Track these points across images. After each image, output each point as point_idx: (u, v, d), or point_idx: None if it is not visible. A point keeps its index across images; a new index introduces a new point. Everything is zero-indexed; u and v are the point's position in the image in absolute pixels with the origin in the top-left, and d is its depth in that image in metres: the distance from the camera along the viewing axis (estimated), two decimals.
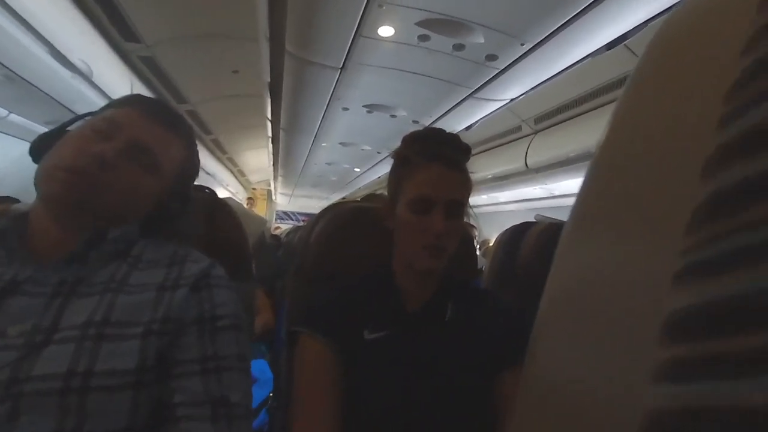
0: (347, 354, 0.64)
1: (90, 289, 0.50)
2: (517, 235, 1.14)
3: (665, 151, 0.19)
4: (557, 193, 3.47)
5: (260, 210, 8.55)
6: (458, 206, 0.67)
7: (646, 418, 0.13)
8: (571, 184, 3.08)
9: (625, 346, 0.18)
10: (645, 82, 0.22)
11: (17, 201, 2.36)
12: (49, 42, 1.63)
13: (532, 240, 1.06)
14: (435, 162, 0.67)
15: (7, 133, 2.64)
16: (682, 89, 0.19)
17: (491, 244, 4.06)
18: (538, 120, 2.81)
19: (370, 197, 1.82)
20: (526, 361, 0.26)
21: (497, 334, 0.70)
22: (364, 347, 0.65)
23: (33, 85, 1.87)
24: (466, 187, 0.70)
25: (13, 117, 2.40)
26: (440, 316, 0.70)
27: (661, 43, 0.22)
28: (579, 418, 0.20)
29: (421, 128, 0.76)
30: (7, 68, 1.69)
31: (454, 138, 0.72)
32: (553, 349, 0.24)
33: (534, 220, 1.23)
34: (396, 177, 0.72)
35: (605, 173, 0.23)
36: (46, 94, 1.96)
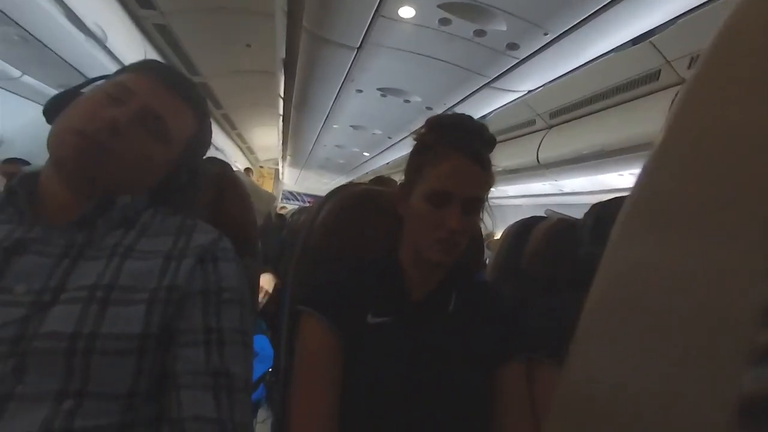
0: (349, 336, 0.64)
1: (98, 252, 0.51)
2: (525, 229, 1.12)
3: (748, 140, 0.18)
4: (567, 190, 3.44)
5: (267, 188, 8.57)
6: (476, 203, 0.66)
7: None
8: (582, 182, 3.05)
9: (697, 347, 0.17)
10: (719, 68, 0.21)
11: (28, 163, 2.38)
12: (65, 3, 1.61)
13: (540, 235, 1.05)
14: (460, 154, 0.64)
15: (19, 95, 2.64)
16: (761, 77, 0.18)
17: (496, 237, 4.04)
18: (553, 115, 2.75)
19: (379, 180, 1.81)
20: (568, 357, 0.25)
21: (498, 330, 0.69)
22: (366, 331, 0.65)
23: (47, 46, 1.86)
24: (488, 183, 0.67)
25: (26, 78, 2.39)
26: (443, 306, 0.69)
27: (737, 28, 0.20)
28: (628, 425, 0.19)
29: (436, 115, 0.74)
30: (23, 28, 1.68)
31: (481, 128, 0.69)
32: (603, 345, 0.23)
33: (544, 215, 1.21)
34: (416, 162, 0.69)
35: (670, 166, 0.22)
36: (59, 56, 1.95)
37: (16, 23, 1.63)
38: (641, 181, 0.23)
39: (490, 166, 0.67)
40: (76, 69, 2.06)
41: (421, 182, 0.66)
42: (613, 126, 2.30)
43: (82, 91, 0.58)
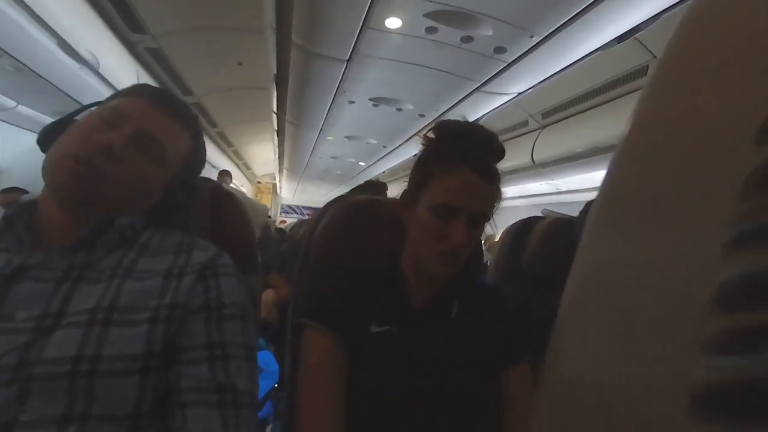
0: (352, 347, 0.64)
1: (98, 275, 0.51)
2: (524, 229, 1.13)
3: (703, 131, 0.18)
4: (563, 188, 3.45)
5: (266, 203, 8.58)
6: (482, 217, 0.65)
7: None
8: (578, 179, 3.06)
9: (660, 339, 0.17)
10: (677, 62, 0.21)
11: (26, 192, 2.39)
12: (57, 33, 1.64)
13: (539, 234, 1.05)
14: (469, 168, 0.63)
15: (15, 125, 2.66)
16: (721, 66, 0.18)
17: (496, 240, 4.04)
18: (546, 115, 2.78)
19: (370, 184, 1.82)
20: (547, 356, 0.25)
21: (502, 333, 0.69)
22: (369, 340, 0.65)
23: (41, 76, 1.88)
24: (495, 199, 0.66)
25: (22, 108, 2.41)
26: (446, 313, 0.69)
27: (695, 18, 0.21)
28: (608, 414, 0.19)
29: (429, 121, 0.73)
30: (16, 59, 1.70)
31: (491, 139, 0.67)
32: (578, 342, 0.24)
33: (541, 215, 1.22)
34: (423, 171, 0.67)
35: (634, 160, 0.22)
36: (53, 85, 1.98)
37: (10, 55, 1.65)
38: (606, 180, 0.24)
39: (499, 180, 0.66)
40: (70, 96, 2.08)
41: (428, 193, 0.65)
42: (605, 123, 2.32)
43: (76, 118, 0.59)
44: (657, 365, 0.17)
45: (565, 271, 0.87)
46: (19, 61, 1.70)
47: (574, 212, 1.01)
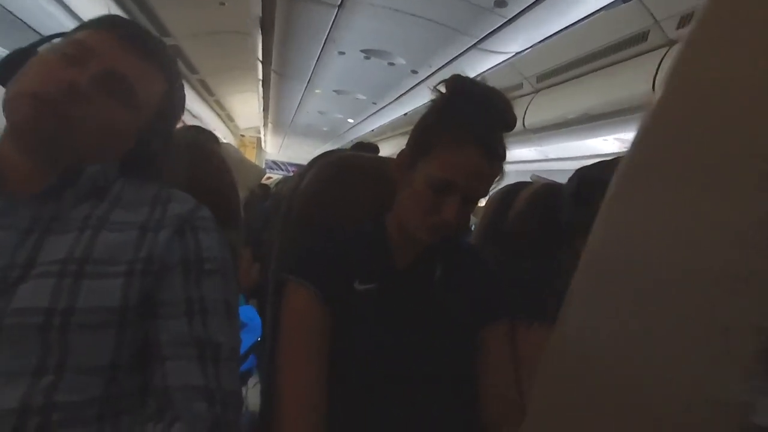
0: (335, 303, 0.64)
1: (67, 226, 0.48)
2: (510, 194, 1.13)
3: (741, 102, 0.17)
4: (552, 156, 3.45)
5: (249, 158, 8.36)
6: (478, 197, 0.63)
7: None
8: (567, 147, 3.05)
9: (687, 309, 0.17)
10: (718, 22, 0.19)
11: None
12: None
13: (525, 199, 1.05)
14: (477, 147, 0.59)
15: None
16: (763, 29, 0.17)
17: (481, 204, 4.07)
18: (541, 78, 2.71)
19: (360, 145, 1.77)
20: (557, 323, 0.25)
21: (482, 292, 0.70)
22: (353, 298, 0.65)
23: (3, 6, 1.70)
24: (495, 178, 0.64)
25: None
26: (429, 273, 0.70)
27: None
28: (620, 394, 0.19)
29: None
30: None
31: (507, 111, 0.63)
32: (595, 306, 0.23)
33: (528, 181, 1.21)
34: (427, 136, 0.63)
35: (668, 124, 0.21)
36: (15, 16, 1.80)
37: None
38: (639, 139, 0.22)
39: (505, 158, 0.64)
40: (34, 30, 1.91)
41: (428, 162, 0.62)
42: (599, 89, 2.28)
43: (38, 50, 0.53)
44: (688, 330, 0.17)
45: (550, 236, 0.87)
46: None
47: (562, 180, 1.01)
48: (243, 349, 0.76)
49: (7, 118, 0.48)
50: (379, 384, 0.63)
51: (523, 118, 2.93)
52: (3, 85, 0.51)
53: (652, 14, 1.80)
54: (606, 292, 0.23)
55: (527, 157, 3.76)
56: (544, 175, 2.09)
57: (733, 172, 0.17)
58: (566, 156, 3.24)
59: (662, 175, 0.20)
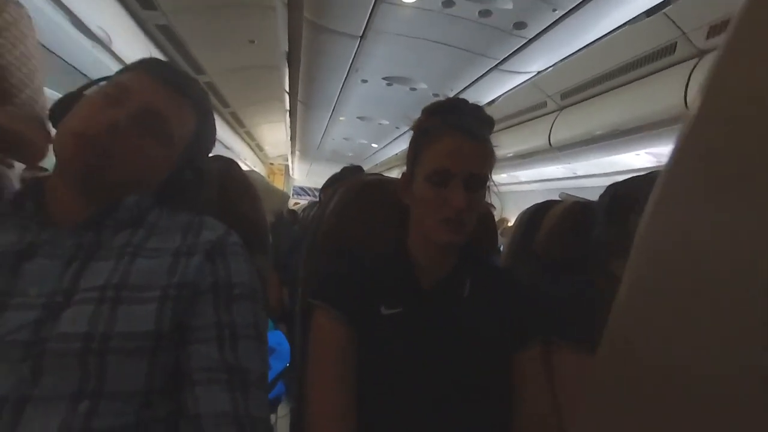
0: (361, 328, 0.64)
1: (107, 253, 0.51)
2: (539, 213, 1.10)
3: None
4: (580, 173, 3.36)
5: (278, 185, 8.61)
6: (479, 180, 0.64)
7: None
8: (595, 163, 2.97)
9: (744, 314, 0.16)
10: (754, 32, 0.19)
11: (46, 170, 2.43)
12: (70, 10, 1.62)
13: (555, 218, 1.02)
14: (455, 132, 0.64)
15: None
16: None
17: (509, 224, 3.99)
18: (565, 95, 2.68)
19: (347, 169, 1.81)
20: (603, 339, 0.24)
21: (514, 313, 0.68)
22: (379, 322, 0.64)
23: (55, 53, 1.87)
24: (487, 160, 0.66)
25: None
26: (457, 292, 0.68)
27: None
28: (676, 395, 0.18)
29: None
30: None
31: (475, 108, 0.69)
32: (646, 324, 0.22)
33: (557, 199, 1.18)
34: (414, 149, 0.69)
35: (714, 128, 0.20)
36: (67, 63, 1.97)
37: None
38: (680, 147, 0.21)
39: (488, 141, 0.67)
40: (84, 74, 2.08)
41: (421, 166, 0.66)
42: (628, 104, 2.22)
43: (85, 93, 0.58)
44: (744, 337, 0.16)
45: (581, 255, 0.83)
46: None
47: (592, 197, 0.97)
48: (271, 375, 0.75)
49: (56, 155, 0.52)
50: (408, 405, 0.61)
51: (549, 135, 2.88)
52: (55, 126, 0.55)
53: (678, 26, 1.76)
54: (655, 299, 0.21)
55: (555, 175, 3.67)
56: (572, 193, 2.03)
57: None
58: (596, 172, 3.15)
59: (711, 178, 0.19)
